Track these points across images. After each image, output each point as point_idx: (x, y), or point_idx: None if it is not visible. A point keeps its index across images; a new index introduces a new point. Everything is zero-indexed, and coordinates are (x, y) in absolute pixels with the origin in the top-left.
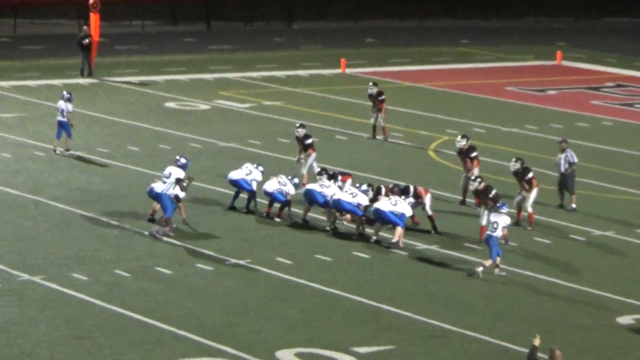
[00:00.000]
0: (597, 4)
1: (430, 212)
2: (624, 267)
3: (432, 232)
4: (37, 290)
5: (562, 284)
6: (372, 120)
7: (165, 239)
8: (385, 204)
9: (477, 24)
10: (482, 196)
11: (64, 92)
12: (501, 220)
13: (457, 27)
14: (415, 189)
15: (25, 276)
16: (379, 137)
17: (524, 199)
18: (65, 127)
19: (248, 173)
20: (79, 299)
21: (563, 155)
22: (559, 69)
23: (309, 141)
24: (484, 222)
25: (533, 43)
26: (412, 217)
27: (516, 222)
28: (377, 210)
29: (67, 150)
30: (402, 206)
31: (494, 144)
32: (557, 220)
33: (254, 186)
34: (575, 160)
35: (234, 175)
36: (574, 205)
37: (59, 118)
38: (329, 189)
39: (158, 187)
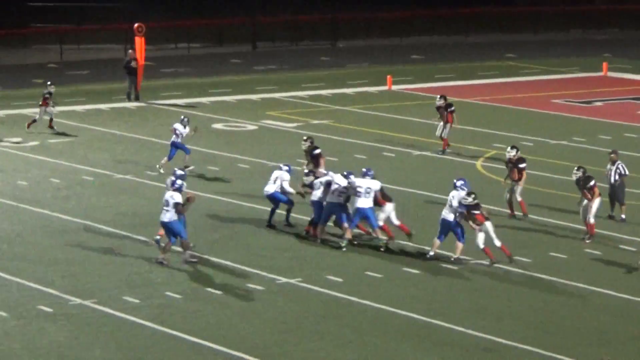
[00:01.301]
0: None
1: (397, 222)
2: None
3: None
4: (90, 314)
5: (614, 294)
6: (438, 132)
7: (200, 258)
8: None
9: (522, 37)
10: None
11: (183, 117)
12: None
13: (502, 41)
14: (375, 197)
15: (78, 300)
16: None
17: (586, 209)
18: (182, 146)
19: (276, 180)
20: (131, 322)
21: (614, 167)
22: (605, 80)
23: (317, 151)
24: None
25: (578, 55)
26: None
27: (589, 236)
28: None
29: (187, 167)
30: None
31: (543, 156)
32: (607, 232)
33: (286, 186)
34: (626, 172)
35: (269, 189)
36: (623, 216)
37: (175, 140)
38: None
39: (164, 216)
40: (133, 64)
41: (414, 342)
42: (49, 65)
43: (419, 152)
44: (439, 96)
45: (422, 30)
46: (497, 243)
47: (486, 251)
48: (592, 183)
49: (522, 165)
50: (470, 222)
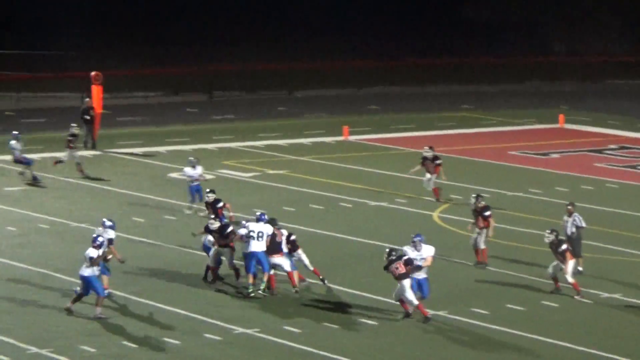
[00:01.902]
0: (599, 67)
1: (311, 267)
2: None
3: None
4: None
5: (571, 347)
6: (427, 186)
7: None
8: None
9: (479, 88)
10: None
11: (191, 158)
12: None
13: (459, 92)
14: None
15: (34, 349)
16: (431, 198)
17: (559, 269)
18: (199, 190)
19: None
20: None
21: (570, 219)
22: (562, 132)
23: (220, 204)
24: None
25: (535, 106)
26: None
27: (555, 290)
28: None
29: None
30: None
31: (500, 208)
32: (563, 284)
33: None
34: (584, 224)
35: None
36: (580, 268)
37: (193, 184)
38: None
39: (84, 271)
40: (90, 112)
41: None
42: (5, 112)
43: (375, 203)
44: (426, 147)
45: (379, 81)
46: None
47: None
48: (564, 247)
49: (487, 213)
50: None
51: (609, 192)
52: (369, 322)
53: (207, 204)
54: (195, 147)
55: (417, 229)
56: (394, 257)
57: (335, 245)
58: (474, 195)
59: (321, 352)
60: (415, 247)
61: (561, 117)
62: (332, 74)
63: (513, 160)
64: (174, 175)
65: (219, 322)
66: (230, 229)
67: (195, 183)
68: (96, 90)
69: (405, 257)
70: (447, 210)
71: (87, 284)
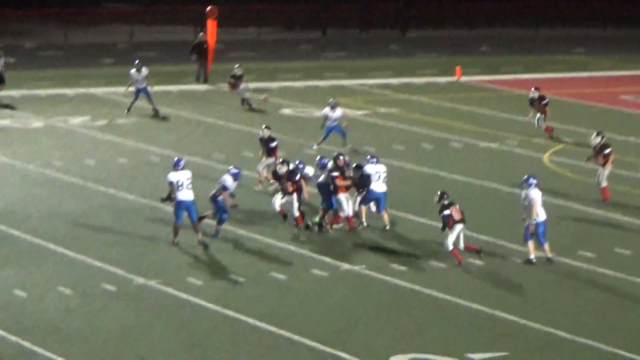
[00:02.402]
0: None
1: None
2: None
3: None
4: (153, 295)
5: None
6: (538, 124)
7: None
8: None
9: (592, 32)
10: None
11: (331, 100)
12: None
13: (572, 35)
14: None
15: (141, 280)
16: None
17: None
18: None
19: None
20: (193, 304)
21: None
22: None
23: (274, 144)
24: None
25: None
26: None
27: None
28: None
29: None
30: None
31: None
32: None
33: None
34: None
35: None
36: None
37: (332, 124)
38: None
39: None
40: (204, 46)
41: (476, 333)
42: (119, 45)
43: (486, 144)
44: (533, 88)
45: (492, 22)
46: (461, 245)
47: (454, 253)
48: (608, 150)
49: (607, 151)
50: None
51: None
52: (477, 262)
53: (262, 141)
54: (306, 83)
55: (527, 171)
56: (446, 202)
57: (443, 185)
58: (596, 133)
59: (427, 290)
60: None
61: None
62: (444, 14)
63: (625, 105)
64: (286, 111)
65: (326, 258)
66: (298, 175)
67: (334, 124)
68: (211, 25)
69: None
70: (557, 153)
71: (187, 209)
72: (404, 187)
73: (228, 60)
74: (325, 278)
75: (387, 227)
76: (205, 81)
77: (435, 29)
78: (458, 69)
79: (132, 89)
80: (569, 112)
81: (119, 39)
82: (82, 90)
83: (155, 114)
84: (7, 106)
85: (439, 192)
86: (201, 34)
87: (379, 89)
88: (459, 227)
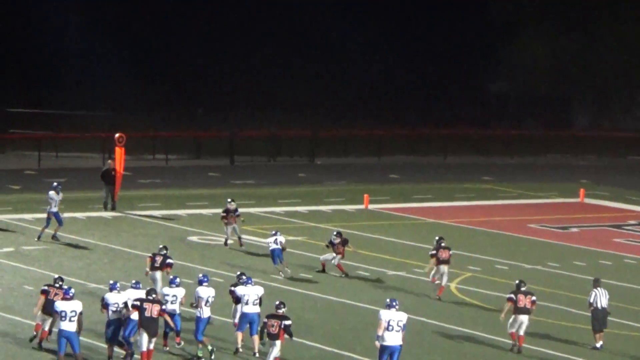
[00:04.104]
0: (620, 142)
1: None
2: None
3: None
4: None
5: None
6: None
7: None
8: None
9: (500, 160)
10: None
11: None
12: None
13: (480, 163)
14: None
15: None
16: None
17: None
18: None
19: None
20: None
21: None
22: (582, 206)
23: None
24: None
25: (556, 180)
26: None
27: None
28: None
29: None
30: None
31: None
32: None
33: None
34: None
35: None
36: (599, 344)
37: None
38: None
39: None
40: (112, 173)
41: None
42: (26, 171)
43: (393, 272)
44: (335, 233)
45: (400, 150)
46: None
47: None
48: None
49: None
50: None
51: (628, 267)
52: None
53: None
54: (215, 211)
55: (435, 299)
56: None
57: (351, 314)
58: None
59: None
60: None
61: (582, 191)
62: (353, 141)
63: (532, 234)
64: (193, 238)
65: None
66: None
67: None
68: (119, 152)
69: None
70: (464, 281)
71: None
72: (308, 315)
73: (137, 187)
74: None
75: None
76: (113, 208)
77: (344, 156)
78: (366, 197)
79: (54, 209)
80: (477, 239)
81: (27, 165)
82: None
83: (54, 238)
84: None
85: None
86: (109, 161)
87: (287, 216)
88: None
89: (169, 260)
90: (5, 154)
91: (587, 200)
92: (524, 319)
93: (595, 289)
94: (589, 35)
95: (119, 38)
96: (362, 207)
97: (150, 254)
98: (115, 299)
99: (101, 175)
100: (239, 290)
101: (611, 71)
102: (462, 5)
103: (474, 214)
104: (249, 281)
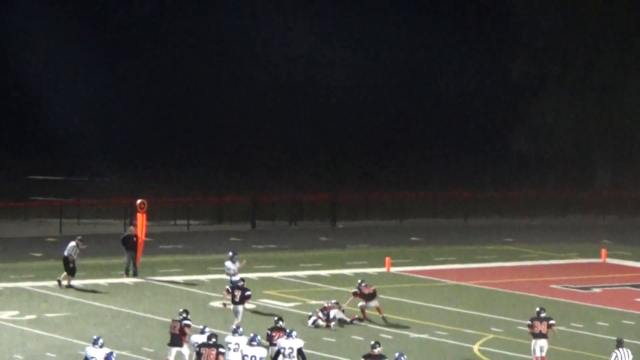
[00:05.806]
0: None
1: None
2: None
3: None
4: None
5: None
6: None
7: None
8: None
9: (522, 222)
10: None
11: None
12: None
13: (502, 225)
14: None
15: None
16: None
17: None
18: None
19: None
20: None
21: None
22: (604, 266)
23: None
24: None
25: (577, 241)
26: None
27: None
28: None
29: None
30: None
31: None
32: None
33: None
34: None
35: None
36: None
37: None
38: None
39: None
40: (134, 239)
41: None
42: (48, 238)
43: (416, 335)
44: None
45: (422, 212)
46: None
47: None
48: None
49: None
50: None
51: None
52: None
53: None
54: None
55: None
56: None
57: None
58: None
59: None
60: None
61: (603, 251)
62: (374, 204)
63: (555, 294)
64: (215, 304)
65: None
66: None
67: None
68: (141, 218)
69: None
70: (487, 343)
71: None
72: None
73: (158, 253)
74: None
75: None
76: (135, 274)
77: (365, 219)
78: (388, 260)
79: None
80: (499, 301)
81: (48, 232)
82: (10, 284)
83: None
84: None
85: None
86: (131, 227)
87: (310, 280)
88: None
89: (185, 322)
90: (27, 221)
91: (609, 260)
92: (542, 343)
93: (617, 350)
94: (610, 96)
95: (138, 103)
96: (384, 269)
97: (172, 320)
98: (94, 353)
99: (122, 241)
100: (281, 343)
101: (632, 131)
102: (483, 68)
103: (495, 275)
104: (291, 334)
